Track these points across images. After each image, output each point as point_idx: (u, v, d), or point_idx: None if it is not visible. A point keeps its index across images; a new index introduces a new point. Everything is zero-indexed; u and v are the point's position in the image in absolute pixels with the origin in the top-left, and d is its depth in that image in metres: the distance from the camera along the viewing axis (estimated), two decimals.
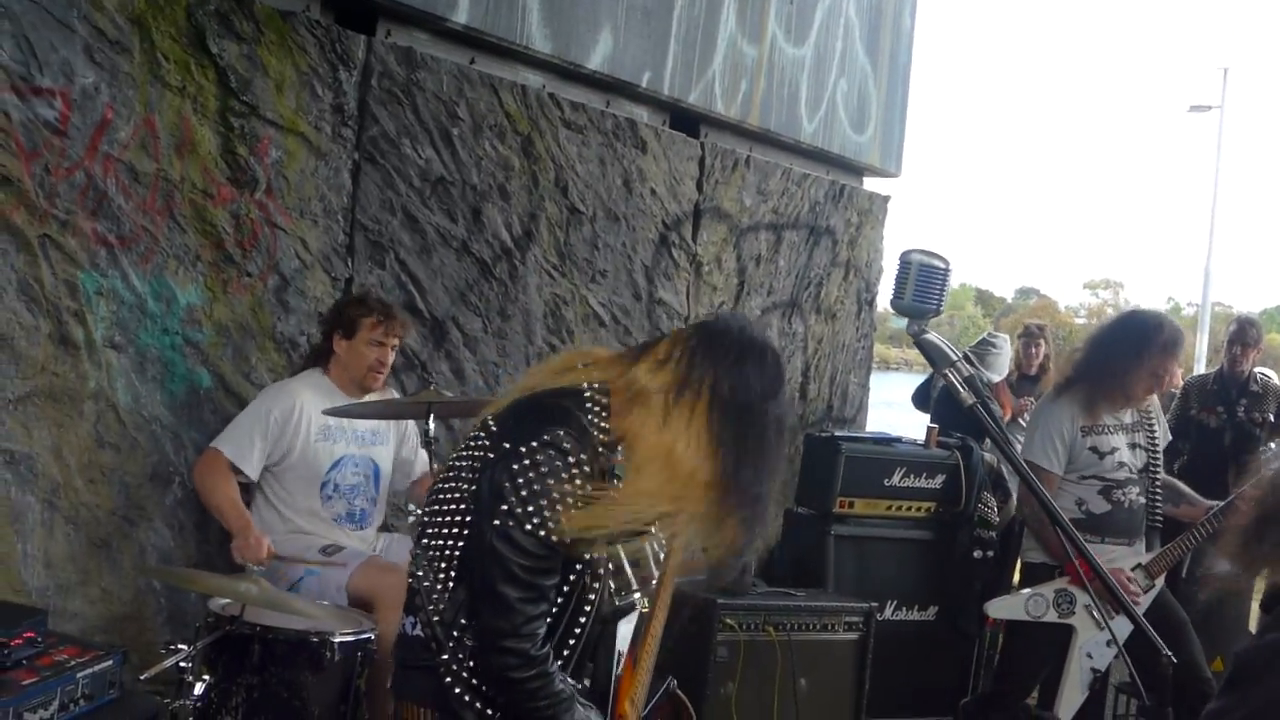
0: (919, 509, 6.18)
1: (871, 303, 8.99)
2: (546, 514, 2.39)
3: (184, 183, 4.49)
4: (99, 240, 4.27)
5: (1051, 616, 5.05)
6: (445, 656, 2.50)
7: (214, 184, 4.59)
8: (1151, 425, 5.31)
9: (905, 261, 2.34)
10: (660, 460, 2.44)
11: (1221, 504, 5.17)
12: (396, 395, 4.92)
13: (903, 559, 6.18)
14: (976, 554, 6.20)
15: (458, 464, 2.57)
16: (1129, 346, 5.08)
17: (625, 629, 2.72)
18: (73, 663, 3.32)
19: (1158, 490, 5.30)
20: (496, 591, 2.41)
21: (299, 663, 3.73)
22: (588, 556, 2.50)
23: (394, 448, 4.80)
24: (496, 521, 2.41)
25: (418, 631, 2.57)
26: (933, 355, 2.37)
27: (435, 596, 2.52)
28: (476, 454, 2.52)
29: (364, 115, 5.10)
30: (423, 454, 4.92)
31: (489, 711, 2.50)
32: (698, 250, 7.01)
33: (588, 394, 2.53)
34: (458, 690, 2.49)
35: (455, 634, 2.49)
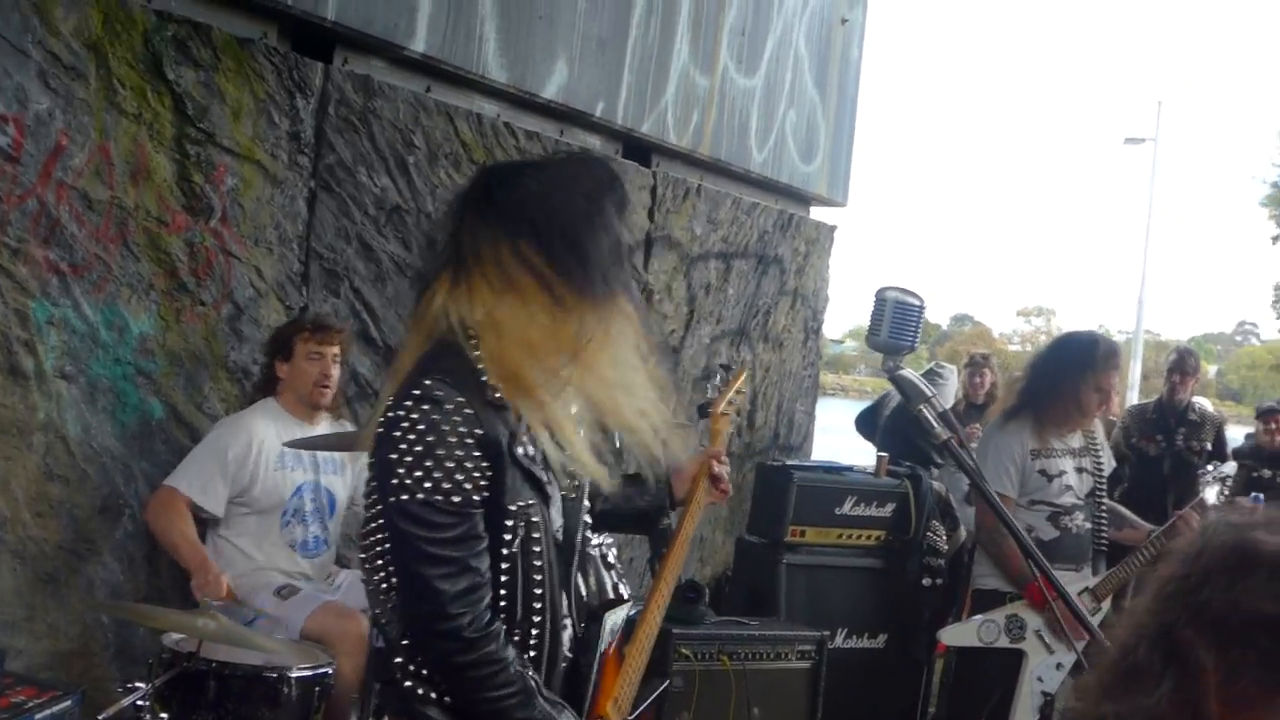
0: (869, 537, 6.21)
1: (818, 331, 9.05)
2: (438, 475, 2.15)
3: (138, 210, 4.43)
4: (51, 269, 4.20)
5: (1003, 642, 5.09)
6: (399, 659, 2.27)
7: (169, 212, 4.53)
8: (1097, 451, 5.39)
9: (881, 299, 2.35)
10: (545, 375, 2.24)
11: (1163, 526, 5.25)
12: (350, 426, 4.87)
13: (853, 587, 6.20)
14: (926, 581, 6.24)
15: (370, 464, 2.31)
16: (1070, 366, 5.17)
17: (611, 622, 2.50)
18: (30, 704, 3.26)
19: (1103, 515, 5.37)
20: (411, 574, 2.17)
21: (256, 698, 3.68)
22: (512, 507, 2.23)
23: (350, 479, 4.75)
24: (392, 499, 2.16)
25: (379, 644, 2.34)
26: (908, 392, 2.38)
27: (382, 598, 2.28)
28: (373, 447, 2.26)
29: (320, 143, 5.06)
30: None
31: (447, 699, 2.25)
32: (648, 279, 7.02)
33: (460, 336, 2.26)
34: (419, 690, 2.25)
35: (404, 634, 2.27)
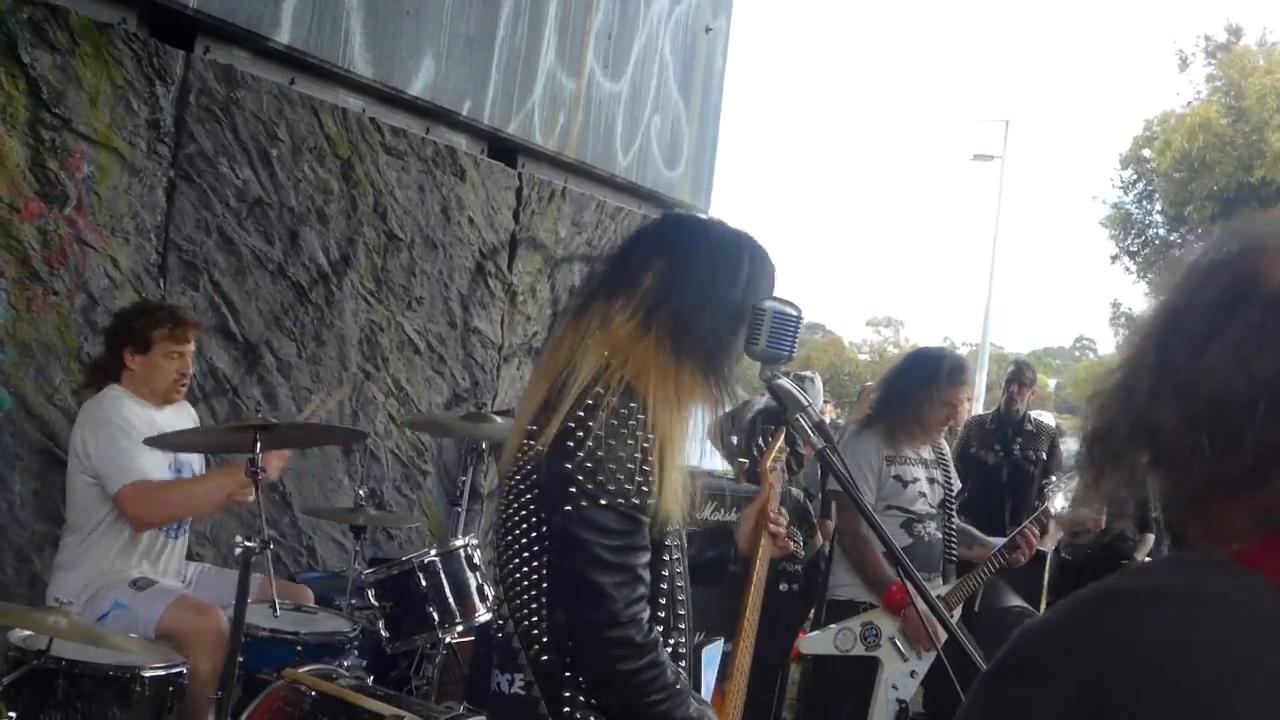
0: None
1: None
2: (621, 479, 2.20)
3: None
4: None
5: (859, 650, 5.18)
6: (559, 702, 2.24)
7: (21, 198, 4.40)
8: (947, 464, 5.53)
9: (759, 309, 2.38)
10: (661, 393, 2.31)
11: (1006, 540, 5.40)
12: (193, 413, 4.72)
13: (707, 591, 6.24)
14: (782, 587, 6.32)
15: (515, 481, 2.34)
16: (919, 380, 5.31)
17: (709, 654, 2.62)
18: None
19: (953, 526, 5.51)
20: (585, 579, 2.19)
21: (107, 698, 3.58)
22: (669, 528, 2.29)
23: (202, 460, 4.63)
24: (568, 507, 2.19)
25: (516, 689, 2.30)
26: (785, 400, 2.41)
27: (535, 633, 2.27)
28: (530, 460, 2.30)
29: (181, 132, 4.96)
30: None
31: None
32: (513, 280, 7.01)
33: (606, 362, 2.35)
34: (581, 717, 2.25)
35: (567, 662, 2.25)
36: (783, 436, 3.27)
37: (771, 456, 3.16)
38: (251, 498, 3.91)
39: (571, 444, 2.23)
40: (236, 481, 4.09)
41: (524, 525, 2.32)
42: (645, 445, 2.24)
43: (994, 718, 1.09)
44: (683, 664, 2.36)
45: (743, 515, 2.98)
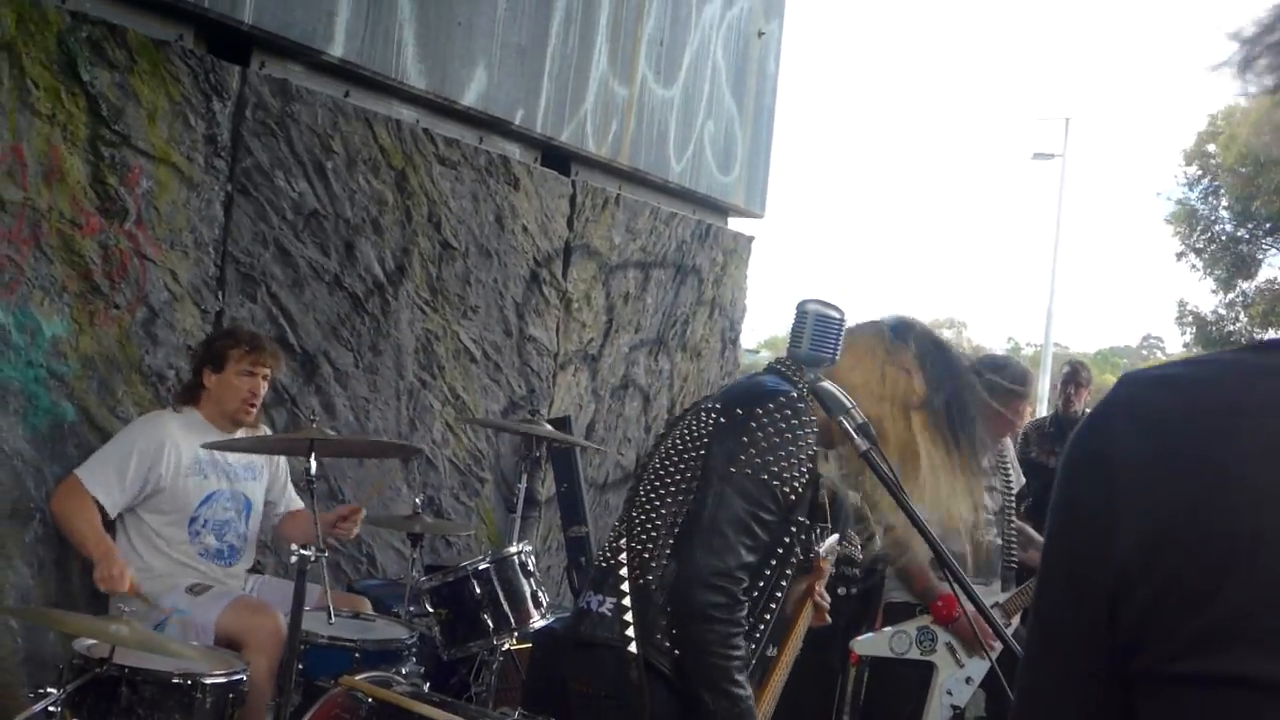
0: None
1: (735, 341, 9.12)
2: (784, 464, 2.48)
3: (52, 212, 4.38)
4: None
5: (914, 654, 5.15)
6: (650, 629, 2.52)
7: (83, 214, 4.48)
8: (1006, 469, 5.47)
9: (802, 311, 2.40)
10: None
11: None
12: (268, 431, 4.85)
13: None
14: (841, 591, 6.28)
15: (677, 447, 2.64)
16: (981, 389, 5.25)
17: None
18: None
19: (1013, 531, 5.46)
20: (720, 530, 2.47)
21: (169, 705, 3.63)
22: (801, 520, 2.59)
23: (267, 483, 4.72)
24: (732, 469, 2.49)
25: (605, 609, 2.61)
26: (829, 403, 2.43)
27: (652, 564, 2.55)
28: (701, 430, 2.60)
29: (237, 146, 5.03)
30: (290, 492, 4.86)
31: (676, 687, 2.53)
32: (568, 287, 7.04)
33: (782, 368, 2.67)
34: (655, 655, 2.52)
35: (666, 597, 2.53)
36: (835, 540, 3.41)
37: (826, 546, 3.28)
38: (117, 589, 4.07)
39: (754, 424, 2.52)
40: (103, 568, 4.16)
41: (676, 475, 2.62)
42: (812, 450, 2.55)
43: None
44: (753, 647, 2.64)
45: (794, 581, 3.13)
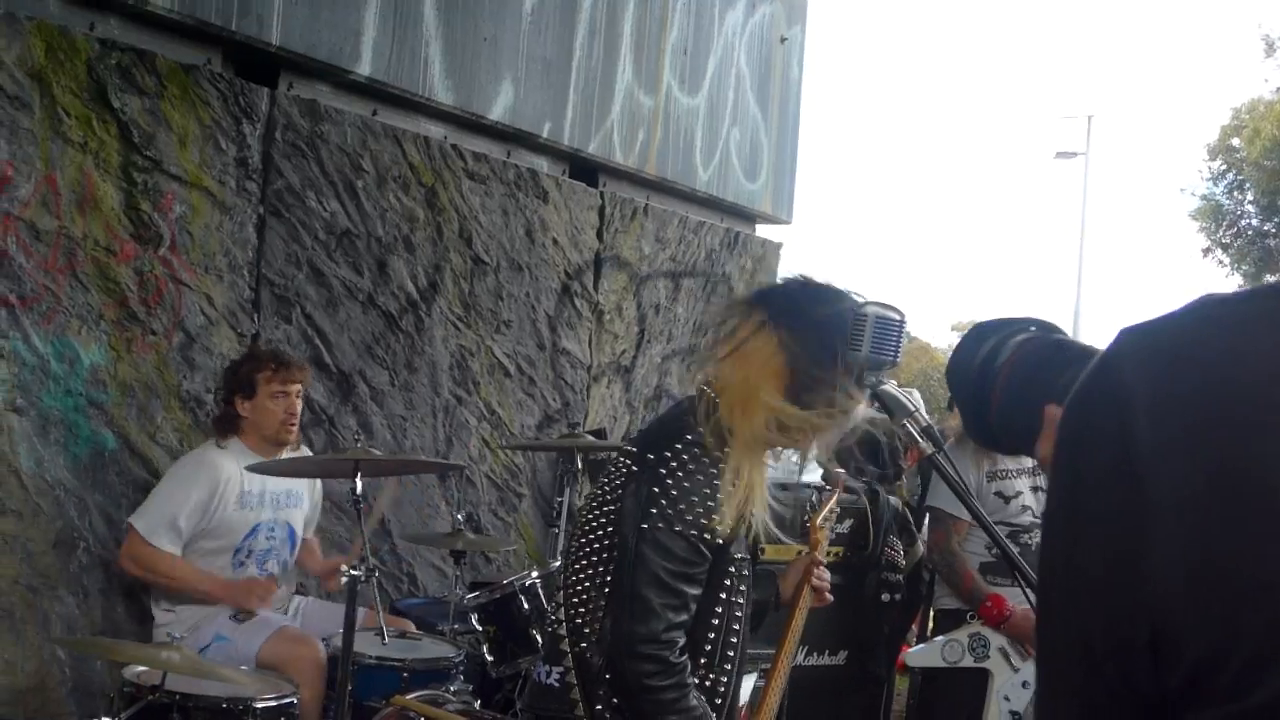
0: (828, 553, 6.19)
1: None
2: (699, 511, 2.37)
3: (86, 240, 4.38)
4: None
5: (968, 661, 5.08)
6: (592, 699, 2.44)
7: (117, 241, 4.48)
8: None
9: (860, 314, 2.35)
10: (741, 386, 2.47)
11: None
12: (308, 452, 4.83)
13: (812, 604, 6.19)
14: (885, 597, 6.22)
15: (599, 494, 2.55)
16: None
17: (745, 685, 2.72)
18: None
19: None
20: (639, 595, 2.37)
21: None
22: (736, 556, 2.47)
23: (308, 510, 4.70)
24: (644, 525, 2.38)
25: (552, 680, 2.52)
26: (891, 406, 2.38)
27: (586, 631, 2.46)
28: (617, 479, 2.50)
29: (268, 168, 5.03)
30: (311, 524, 4.83)
31: None
32: (599, 299, 7.02)
33: (710, 392, 2.53)
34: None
35: (605, 665, 2.45)
36: (835, 499, 3.34)
37: (822, 515, 3.20)
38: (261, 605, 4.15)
39: (663, 470, 2.41)
40: (209, 598, 4.25)
41: (599, 531, 2.52)
42: (716, 481, 2.42)
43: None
44: (719, 700, 2.52)
45: (790, 565, 3.09)
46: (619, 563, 2.42)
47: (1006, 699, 5.09)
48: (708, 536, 2.38)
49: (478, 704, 4.11)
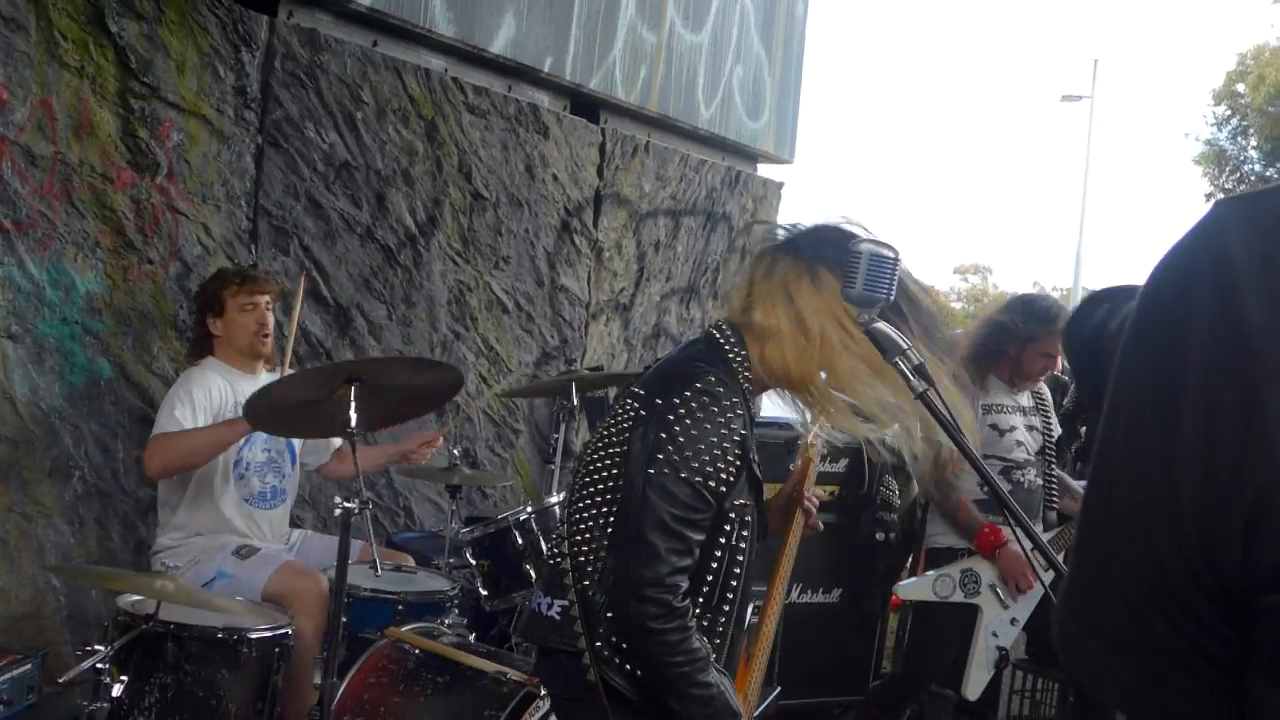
0: (823, 492, 6.22)
1: None
2: (705, 459, 2.35)
3: (83, 166, 4.33)
4: None
5: (958, 597, 5.12)
6: (594, 636, 2.44)
7: (114, 168, 4.43)
8: (1047, 410, 5.42)
9: (855, 251, 2.32)
10: (793, 335, 2.46)
11: None
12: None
13: (807, 542, 6.14)
14: (879, 536, 6.25)
15: (605, 435, 2.52)
16: (1019, 327, 5.19)
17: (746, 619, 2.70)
18: None
19: (1054, 473, 5.41)
20: (645, 539, 2.36)
21: (215, 660, 3.63)
22: (737, 502, 2.44)
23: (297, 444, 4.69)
24: (651, 470, 2.36)
25: (553, 613, 2.53)
26: (883, 344, 2.35)
27: (590, 569, 2.46)
28: (625, 419, 2.48)
29: (267, 98, 4.97)
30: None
31: (638, 696, 2.44)
32: (599, 236, 6.98)
33: (721, 339, 2.51)
34: (607, 670, 2.44)
35: (607, 602, 2.44)
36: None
37: (813, 434, 3.16)
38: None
39: (671, 416, 2.38)
40: (236, 432, 4.17)
41: (604, 472, 2.49)
42: (737, 436, 2.39)
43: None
44: (718, 640, 2.51)
45: (778, 492, 3.04)
46: (624, 506, 2.42)
47: (994, 634, 5.13)
48: (712, 484, 2.37)
49: (472, 637, 4.12)
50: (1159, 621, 1.00)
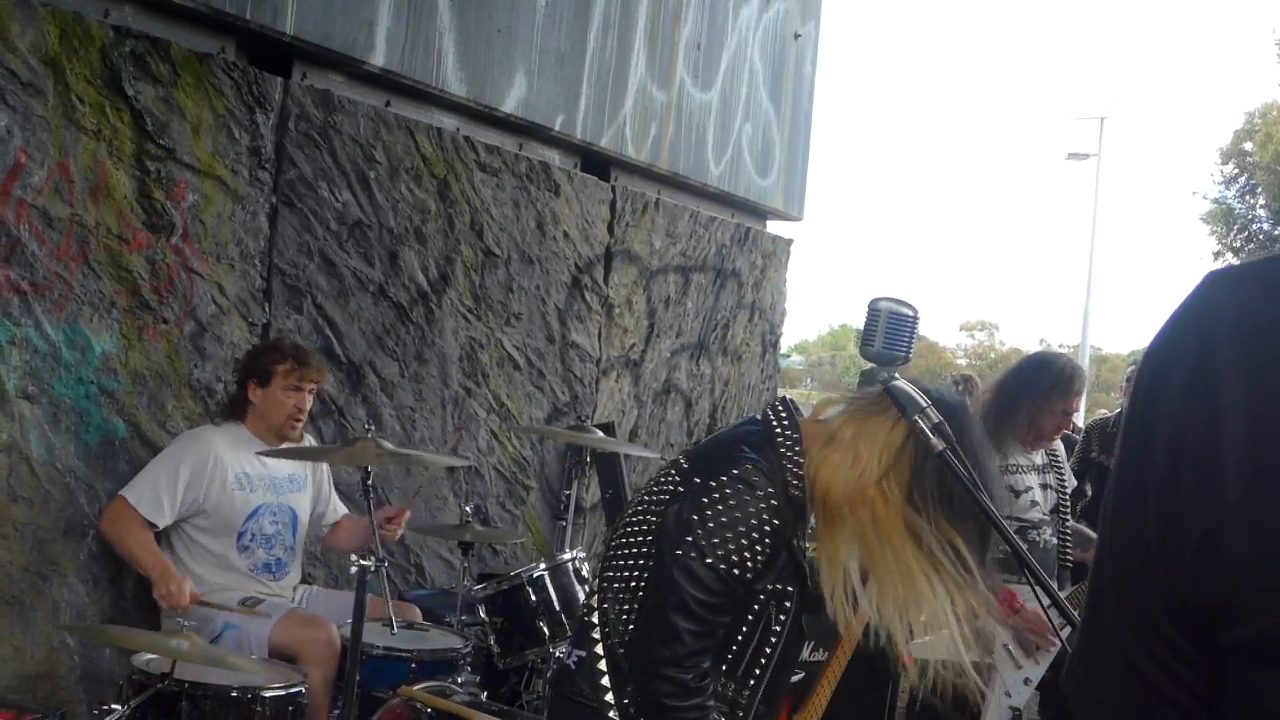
0: None
1: (775, 344, 9.07)
2: (731, 548, 2.37)
3: (99, 228, 4.38)
4: (11, 288, 4.14)
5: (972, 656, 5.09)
6: (621, 693, 2.48)
7: (129, 229, 4.48)
8: (1060, 468, 5.40)
9: (874, 310, 2.35)
10: (852, 502, 2.40)
11: None
12: (313, 443, 4.83)
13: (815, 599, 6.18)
14: None
15: (647, 499, 2.55)
16: (1033, 387, 5.17)
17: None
18: None
19: (1068, 530, 5.39)
20: (667, 619, 2.39)
21: (229, 719, 3.62)
22: (770, 587, 2.46)
23: (311, 495, 4.71)
24: (679, 551, 2.40)
25: (571, 661, 2.58)
26: (903, 403, 2.36)
27: (621, 628, 2.50)
28: (666, 488, 2.50)
29: (281, 158, 5.02)
30: (335, 501, 4.85)
31: None
32: (609, 293, 7.01)
33: (777, 427, 2.51)
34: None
35: (630, 673, 2.49)
36: None
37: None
38: (180, 604, 4.10)
39: (705, 499, 2.41)
40: (161, 585, 4.17)
41: (639, 538, 2.53)
42: (768, 527, 2.40)
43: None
44: (741, 713, 2.55)
45: None
46: (652, 580, 2.45)
47: (1008, 694, 5.10)
48: (736, 572, 2.39)
49: (484, 695, 4.11)
50: (1149, 667, 1.03)
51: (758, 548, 2.39)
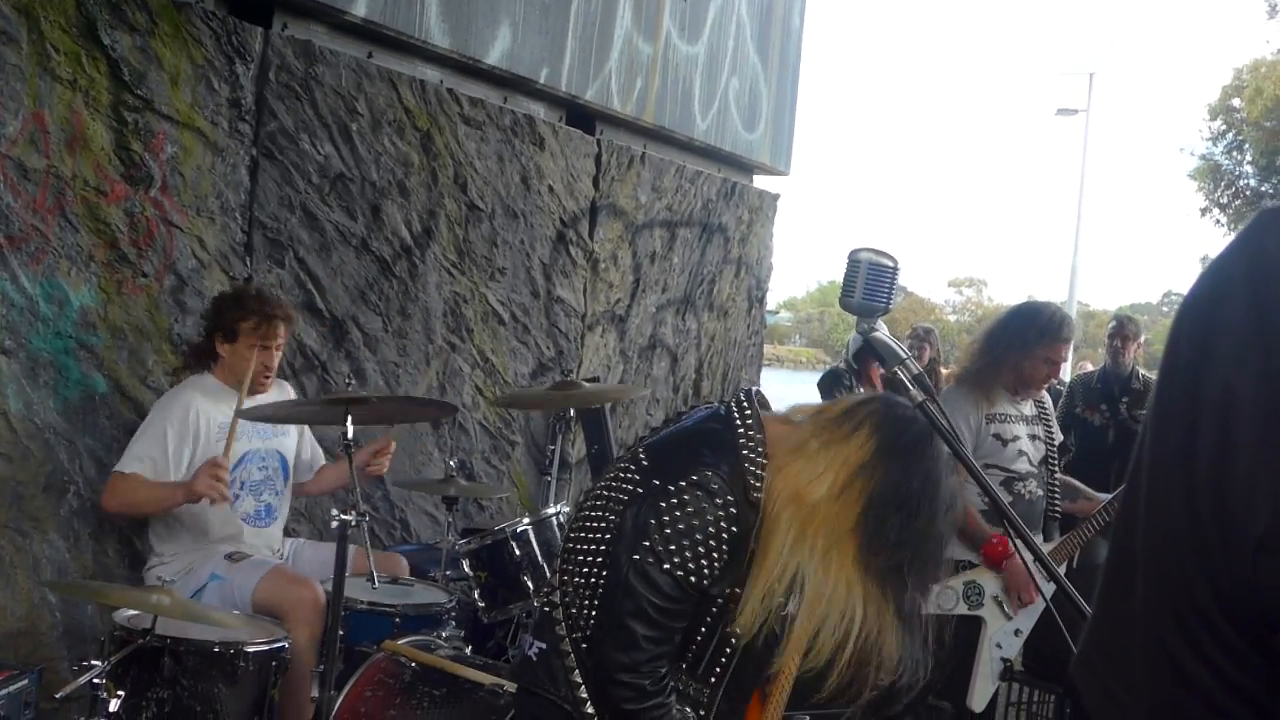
0: None
1: (762, 300, 9.04)
2: (688, 555, 2.34)
3: (76, 180, 4.31)
4: None
5: (961, 609, 5.09)
6: (577, 685, 2.45)
7: (107, 181, 4.41)
8: (1049, 420, 5.39)
9: (854, 260, 2.31)
10: (801, 517, 2.36)
11: (1114, 495, 5.26)
12: (293, 393, 4.78)
13: None
14: None
15: (605, 493, 2.50)
16: (1021, 336, 5.16)
17: None
18: None
19: (1055, 482, 5.38)
20: (624, 625, 2.36)
21: (212, 674, 3.60)
22: (728, 591, 2.41)
23: (296, 438, 4.67)
24: (636, 556, 2.36)
25: (532, 652, 2.55)
26: (883, 354, 2.35)
27: (582, 623, 2.47)
28: (625, 486, 2.45)
29: (261, 110, 4.96)
30: (316, 447, 4.81)
31: None
32: (594, 247, 6.97)
33: (740, 426, 2.44)
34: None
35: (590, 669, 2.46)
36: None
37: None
38: (219, 502, 4.07)
39: (664, 504, 2.36)
40: (178, 499, 4.14)
41: (596, 534, 2.48)
42: (726, 534, 2.35)
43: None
44: (702, 712, 2.52)
45: None
46: (609, 584, 2.41)
47: (999, 646, 5.10)
48: (693, 579, 2.35)
49: (469, 650, 4.10)
50: (1189, 659, 0.91)
51: (714, 555, 2.35)
